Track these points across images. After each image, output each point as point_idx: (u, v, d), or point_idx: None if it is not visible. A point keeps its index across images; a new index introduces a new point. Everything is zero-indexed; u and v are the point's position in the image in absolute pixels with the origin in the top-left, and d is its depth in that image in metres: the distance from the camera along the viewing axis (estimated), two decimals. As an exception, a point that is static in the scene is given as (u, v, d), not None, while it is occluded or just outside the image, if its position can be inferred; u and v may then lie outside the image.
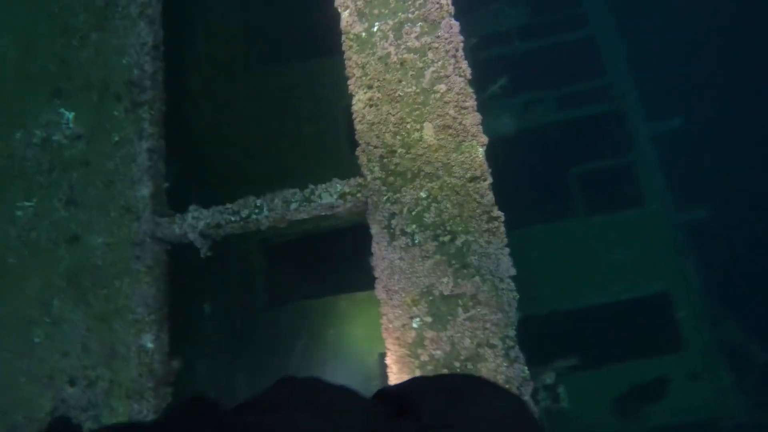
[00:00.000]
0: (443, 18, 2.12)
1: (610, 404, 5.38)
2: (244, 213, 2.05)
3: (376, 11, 2.19)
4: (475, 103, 1.99)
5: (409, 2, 2.17)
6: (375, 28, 2.16)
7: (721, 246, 6.41)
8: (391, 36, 2.14)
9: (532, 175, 6.50)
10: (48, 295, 2.07)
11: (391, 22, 2.16)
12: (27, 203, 2.19)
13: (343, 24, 2.21)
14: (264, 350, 4.39)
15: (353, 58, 2.14)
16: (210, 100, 4.97)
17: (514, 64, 6.69)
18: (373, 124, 2.03)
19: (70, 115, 2.29)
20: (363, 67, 2.12)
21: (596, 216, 6.05)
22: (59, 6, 2.44)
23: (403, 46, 2.12)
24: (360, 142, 2.04)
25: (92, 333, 1.97)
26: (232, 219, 2.06)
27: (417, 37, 2.12)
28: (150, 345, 1.90)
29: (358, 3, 2.21)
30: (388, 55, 2.12)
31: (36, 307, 2.08)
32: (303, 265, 4.99)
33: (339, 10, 2.23)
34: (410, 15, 2.15)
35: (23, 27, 2.44)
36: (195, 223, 2.05)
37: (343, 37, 2.19)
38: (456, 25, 2.11)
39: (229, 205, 2.09)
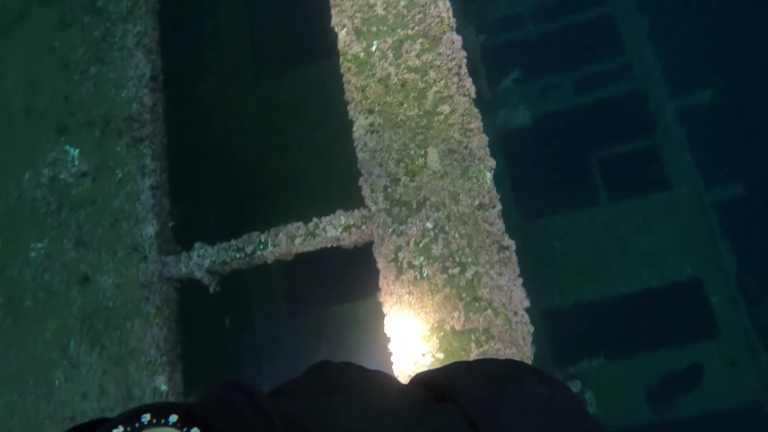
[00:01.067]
0: (444, 33, 2.02)
1: (642, 396, 5.27)
2: (249, 249, 2.02)
3: (374, 29, 2.11)
4: (481, 124, 1.90)
5: (408, 17, 2.08)
6: (374, 48, 2.08)
7: (756, 225, 6.15)
8: (391, 55, 2.05)
9: (553, 162, 6.32)
10: (65, 337, 2.09)
11: (390, 40, 2.07)
12: (39, 245, 2.21)
13: (340, 44, 2.13)
14: (286, 360, 4.42)
15: (352, 81, 2.06)
16: (220, 110, 4.96)
17: (529, 48, 6.48)
18: (375, 151, 1.96)
19: (75, 152, 2.29)
20: (363, 91, 2.04)
21: (621, 202, 5.86)
22: (60, 40, 2.43)
23: (403, 66, 2.03)
24: (362, 171, 1.97)
25: (108, 375, 1.98)
26: (237, 256, 2.03)
27: (417, 55, 2.03)
28: (164, 387, 1.91)
29: (356, 21, 2.12)
30: (389, 76, 2.03)
31: (55, 350, 2.11)
32: (321, 272, 4.98)
33: (336, 29, 2.16)
34: (410, 31, 2.06)
35: (28, 63, 2.44)
36: (201, 261, 2.03)
37: (341, 59, 2.11)
38: (458, 40, 2.00)
39: (233, 241, 2.06)
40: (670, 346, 5.40)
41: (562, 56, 6.38)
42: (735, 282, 5.42)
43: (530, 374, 0.75)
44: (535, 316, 5.61)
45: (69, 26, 2.42)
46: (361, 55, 2.08)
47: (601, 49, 6.24)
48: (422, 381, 0.75)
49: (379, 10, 2.10)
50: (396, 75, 2.02)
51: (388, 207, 1.92)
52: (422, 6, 2.06)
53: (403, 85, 2.01)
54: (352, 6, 2.13)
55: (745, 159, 6.32)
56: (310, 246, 2.00)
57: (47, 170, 2.28)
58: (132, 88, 2.26)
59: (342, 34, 2.13)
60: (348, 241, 1.97)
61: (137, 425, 0.50)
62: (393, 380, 0.75)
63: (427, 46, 2.02)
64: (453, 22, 2.02)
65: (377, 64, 2.05)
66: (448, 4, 2.04)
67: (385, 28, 2.09)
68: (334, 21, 2.15)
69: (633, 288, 5.62)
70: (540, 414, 0.66)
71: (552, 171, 6.25)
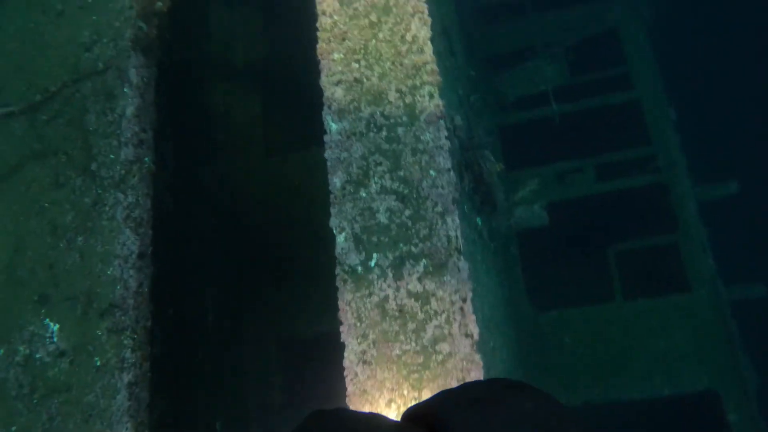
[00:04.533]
0: (450, 257, 1.86)
1: None
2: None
3: (374, 239, 1.96)
4: (482, 372, 1.73)
5: (412, 231, 1.92)
6: (373, 262, 1.93)
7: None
8: (390, 274, 1.90)
9: (568, 252, 6.11)
10: None
11: (391, 256, 1.92)
12: (6, 432, 2.09)
13: (337, 250, 1.99)
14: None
15: (347, 298, 1.91)
16: (227, 186, 4.88)
17: (550, 129, 6.30)
18: (365, 387, 1.80)
19: (55, 328, 2.17)
20: (357, 312, 1.89)
21: (637, 300, 5.62)
22: (51, 201, 2.32)
23: (403, 289, 1.88)
24: (349, 405, 1.81)
25: None
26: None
27: (419, 279, 1.87)
28: None
29: (356, 227, 1.98)
30: (387, 298, 1.88)
31: None
32: (322, 363, 4.83)
33: (334, 232, 2.01)
34: (413, 248, 1.91)
35: (15, 224, 2.33)
36: (173, 482, 1.89)
37: (338, 268, 1.97)
38: (465, 270, 1.84)
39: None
40: (681, 464, 5.13)
41: (584, 140, 6.19)
42: (755, 400, 5.13)
43: (513, 389, 0.80)
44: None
45: (61, 187, 2.32)
46: (359, 269, 1.93)
47: (626, 137, 6.03)
48: (412, 416, 0.78)
49: (382, 218, 1.96)
50: (395, 299, 1.87)
51: (375, 454, 1.76)
52: (428, 221, 1.91)
53: (401, 311, 1.85)
54: (353, 208, 1.99)
55: (769, 258, 6.04)
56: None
57: (23, 347, 2.16)
58: (117, 268, 2.14)
59: (340, 239, 1.98)
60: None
61: None
62: (387, 420, 0.80)
63: (430, 269, 1.86)
64: (461, 244, 1.87)
65: (375, 282, 1.90)
66: (457, 222, 1.89)
67: (387, 239, 1.94)
68: (332, 222, 2.01)
69: (644, 394, 5.36)
70: (527, 426, 0.69)
71: (566, 261, 6.03)
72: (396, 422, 0.78)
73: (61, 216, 2.28)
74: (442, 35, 3.77)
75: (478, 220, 3.59)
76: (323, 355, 4.78)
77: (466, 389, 0.80)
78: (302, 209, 4.95)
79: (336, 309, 2.17)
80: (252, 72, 4.79)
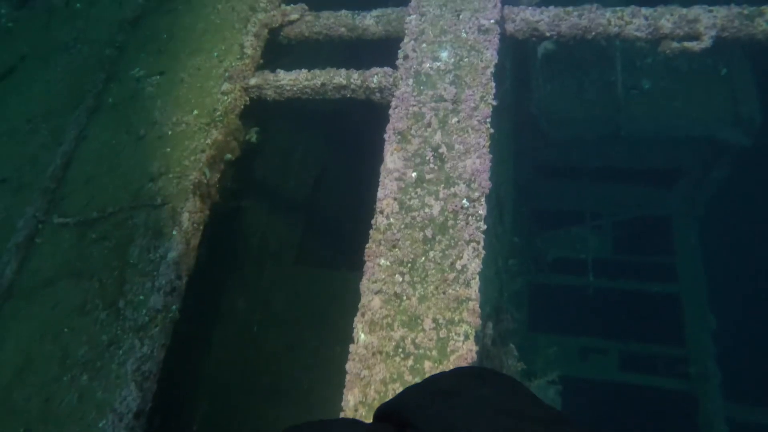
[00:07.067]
0: None
1: None
2: None
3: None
4: None
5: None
6: None
7: None
8: None
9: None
10: None
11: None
12: None
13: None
14: None
15: None
16: (248, 294, 4.85)
17: (581, 299, 6.15)
18: None
19: (25, 472, 2.07)
20: None
21: None
22: (70, 327, 2.32)
23: None
24: None
25: None
26: None
27: None
28: None
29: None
30: None
31: None
32: None
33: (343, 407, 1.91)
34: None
35: (30, 341, 2.32)
36: None
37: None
38: None
39: None
40: None
41: (615, 321, 5.99)
42: None
43: (474, 379, 0.81)
44: None
45: (85, 315, 2.31)
46: None
47: (659, 331, 5.80)
48: (382, 415, 0.79)
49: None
50: None
51: None
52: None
53: None
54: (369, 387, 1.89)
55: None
56: None
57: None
58: (110, 425, 2.06)
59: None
60: None
61: None
62: (360, 423, 0.81)
63: None
64: None
65: None
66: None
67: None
68: (344, 402, 1.91)
69: None
70: (489, 414, 0.70)
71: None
72: (368, 424, 0.80)
73: (74, 347, 2.26)
74: (495, 207, 3.80)
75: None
76: None
77: (430, 382, 0.84)
78: (313, 332, 4.86)
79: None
80: (299, 198, 4.93)
